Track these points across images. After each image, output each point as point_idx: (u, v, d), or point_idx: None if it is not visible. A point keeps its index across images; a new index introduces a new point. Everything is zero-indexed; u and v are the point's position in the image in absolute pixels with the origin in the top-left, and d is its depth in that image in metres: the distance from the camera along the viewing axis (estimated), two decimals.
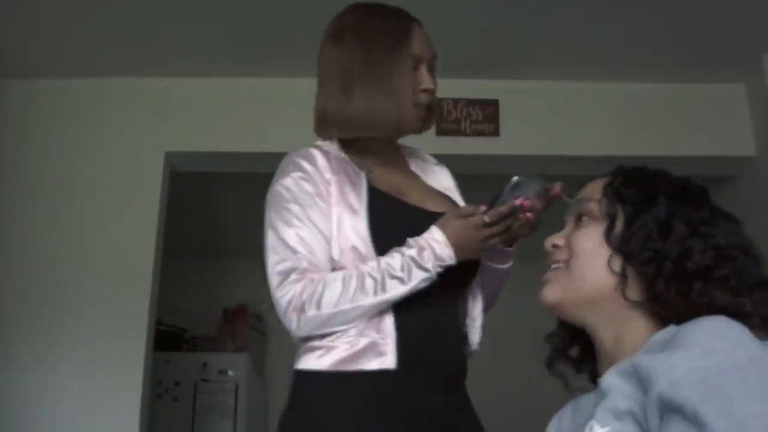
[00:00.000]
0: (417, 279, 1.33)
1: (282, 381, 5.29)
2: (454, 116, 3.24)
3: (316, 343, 1.37)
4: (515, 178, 1.34)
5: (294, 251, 1.37)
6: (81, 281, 2.98)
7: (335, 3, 2.81)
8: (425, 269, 1.33)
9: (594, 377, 1.02)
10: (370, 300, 1.32)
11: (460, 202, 1.58)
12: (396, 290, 1.33)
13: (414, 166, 1.62)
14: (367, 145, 1.52)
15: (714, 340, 0.78)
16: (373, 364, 1.33)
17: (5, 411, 2.80)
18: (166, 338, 3.80)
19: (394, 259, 1.34)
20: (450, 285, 1.41)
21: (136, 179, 3.13)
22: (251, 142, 3.20)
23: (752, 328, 0.81)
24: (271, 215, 1.42)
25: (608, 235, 0.96)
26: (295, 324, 1.35)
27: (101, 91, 3.21)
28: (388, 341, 1.34)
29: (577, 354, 1.06)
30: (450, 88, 3.25)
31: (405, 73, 1.47)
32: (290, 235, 1.38)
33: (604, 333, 0.97)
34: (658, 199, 0.95)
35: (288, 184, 1.42)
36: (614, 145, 3.14)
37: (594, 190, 1.03)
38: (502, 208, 1.32)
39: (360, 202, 1.41)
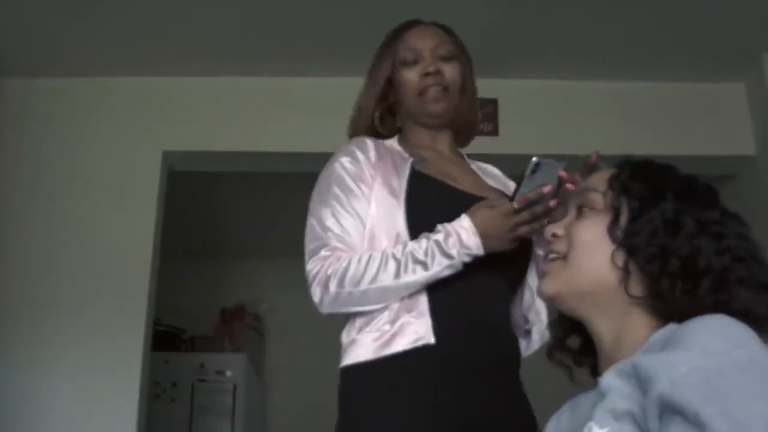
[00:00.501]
0: (440, 265, 1.31)
1: (280, 381, 5.31)
2: None
3: (354, 336, 1.37)
4: (534, 159, 1.28)
5: (327, 229, 1.41)
6: (78, 281, 2.97)
7: (334, 3, 2.82)
8: (449, 256, 1.31)
9: (595, 371, 1.00)
10: (390, 282, 1.32)
11: None
12: (418, 275, 1.32)
13: (475, 167, 1.64)
14: (421, 139, 1.58)
15: (714, 339, 0.76)
16: (407, 341, 1.32)
17: (2, 411, 2.80)
18: (164, 338, 3.78)
19: (420, 244, 1.33)
20: (494, 273, 1.39)
21: (134, 178, 3.12)
22: (249, 141, 3.19)
23: (758, 330, 0.79)
24: (313, 195, 1.49)
25: (612, 228, 0.94)
26: (318, 297, 1.37)
27: (99, 90, 3.21)
28: (422, 321, 1.33)
29: (578, 346, 1.05)
30: None
31: (385, 75, 1.58)
32: (326, 215, 1.42)
33: (602, 328, 0.95)
34: (666, 195, 0.93)
35: (335, 167, 1.48)
36: (614, 144, 3.12)
37: (599, 181, 1.01)
38: (531, 194, 1.29)
39: (400, 184, 1.43)
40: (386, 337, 1.32)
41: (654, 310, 0.91)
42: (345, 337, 1.40)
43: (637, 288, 0.92)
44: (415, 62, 1.56)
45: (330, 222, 1.41)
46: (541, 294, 1.01)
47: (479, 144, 3.25)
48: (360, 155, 1.48)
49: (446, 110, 1.56)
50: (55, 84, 3.20)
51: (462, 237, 1.31)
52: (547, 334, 1.44)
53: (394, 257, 1.33)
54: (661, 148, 3.09)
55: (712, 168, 3.20)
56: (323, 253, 1.39)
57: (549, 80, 3.27)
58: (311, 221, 1.44)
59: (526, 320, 1.49)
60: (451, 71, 1.57)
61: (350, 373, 1.35)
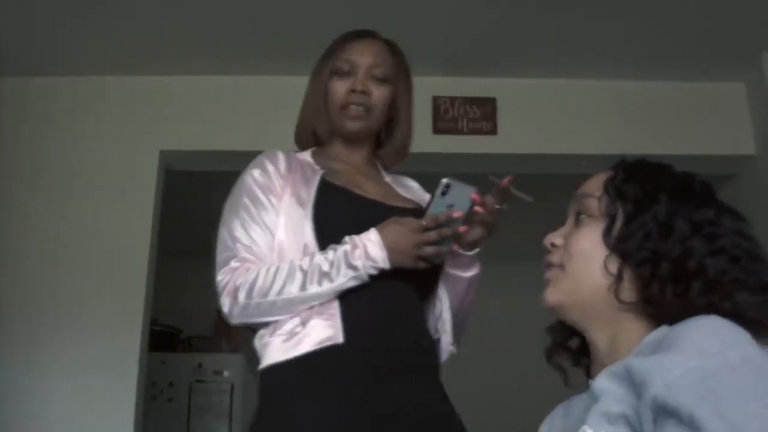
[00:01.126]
0: (345, 277, 1.34)
1: None
2: (451, 114, 3.22)
3: (267, 339, 1.40)
4: (444, 180, 1.34)
5: (236, 240, 1.44)
6: (75, 280, 2.97)
7: (334, 3, 2.81)
8: (354, 267, 1.34)
9: (590, 373, 0.99)
10: (296, 294, 1.35)
11: None
12: (323, 287, 1.35)
13: (390, 179, 1.65)
14: (337, 153, 1.60)
15: (708, 340, 0.76)
16: (315, 341, 1.33)
17: None
18: (161, 338, 3.78)
19: (327, 255, 1.36)
20: (404, 282, 1.41)
21: (131, 178, 3.12)
22: (248, 140, 3.17)
23: (753, 333, 0.78)
24: (225, 206, 1.52)
25: (606, 234, 0.93)
26: (227, 308, 1.41)
27: (97, 89, 3.21)
28: (332, 322, 1.35)
29: (576, 346, 1.03)
30: (446, 85, 3.24)
31: (325, 85, 1.58)
32: (236, 226, 1.45)
33: (597, 335, 0.94)
34: (660, 196, 0.92)
35: (246, 179, 1.51)
36: (613, 143, 3.12)
37: (594, 186, 0.99)
38: (441, 216, 1.34)
39: (309, 194, 1.45)
40: (296, 338, 1.35)
41: (647, 315, 0.90)
42: (258, 342, 1.43)
43: (628, 293, 0.90)
44: (348, 74, 1.56)
45: (239, 233, 1.44)
46: (544, 303, 1.00)
47: (477, 143, 3.27)
48: (270, 167, 1.51)
49: (362, 130, 1.57)
50: (53, 83, 3.19)
51: (368, 249, 1.34)
52: (451, 341, 1.49)
53: (301, 269, 1.36)
54: (660, 148, 3.09)
55: (712, 167, 3.19)
56: (233, 264, 1.42)
57: (548, 79, 3.26)
58: (222, 231, 1.48)
59: (437, 330, 1.50)
60: (379, 94, 1.56)
61: (265, 375, 1.37)
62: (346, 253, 1.34)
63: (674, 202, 0.91)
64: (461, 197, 1.35)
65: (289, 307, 1.36)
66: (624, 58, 3.14)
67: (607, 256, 0.92)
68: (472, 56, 3.12)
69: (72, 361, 2.86)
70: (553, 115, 3.25)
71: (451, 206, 1.34)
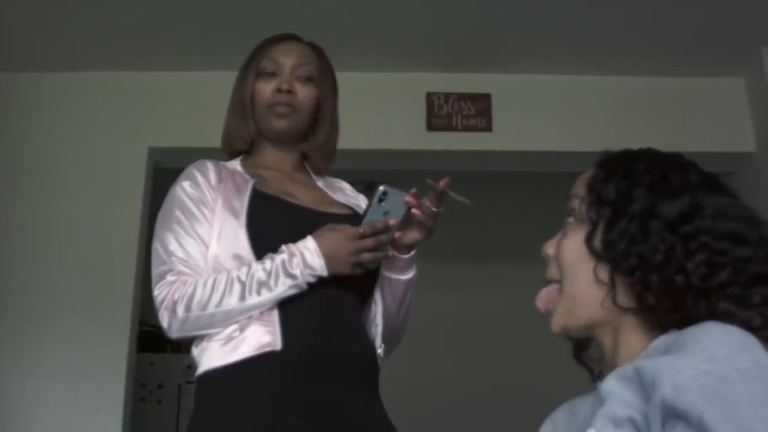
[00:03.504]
0: (284, 285, 1.36)
1: None
2: (445, 111, 3.20)
3: (204, 344, 1.40)
4: (381, 188, 1.37)
5: (171, 254, 1.43)
6: (62, 279, 2.95)
7: None
8: (292, 276, 1.36)
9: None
10: (236, 305, 1.36)
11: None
12: (262, 296, 1.36)
13: (322, 183, 1.67)
14: (266, 158, 1.61)
15: (718, 344, 0.74)
16: (254, 347, 1.34)
17: None
18: (150, 339, 3.75)
19: (265, 265, 1.38)
20: (343, 287, 1.43)
21: (119, 175, 3.11)
22: None
23: (762, 340, 0.76)
24: (157, 220, 1.51)
25: (589, 242, 0.89)
26: (166, 323, 1.40)
27: (83, 86, 3.19)
28: (270, 328, 1.36)
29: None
30: (440, 81, 3.21)
31: (251, 87, 1.59)
32: (170, 239, 1.45)
33: (602, 338, 0.92)
34: (635, 194, 0.88)
35: (176, 191, 1.50)
36: (611, 140, 3.05)
37: (580, 185, 0.95)
38: (377, 223, 1.38)
39: (242, 204, 1.46)
40: (233, 342, 1.36)
41: (649, 320, 0.87)
42: (195, 349, 1.43)
43: (627, 299, 0.87)
44: (273, 75, 1.58)
45: (173, 246, 1.44)
46: (552, 330, 0.97)
47: (472, 140, 3.23)
48: (200, 178, 1.51)
49: (289, 129, 1.58)
50: (39, 79, 3.17)
51: (306, 257, 1.36)
52: (380, 345, 1.51)
53: (239, 280, 1.37)
54: (659, 144, 3.03)
55: (711, 164, 3.15)
56: (169, 278, 1.42)
57: (544, 75, 3.26)
58: (156, 245, 1.47)
59: (370, 333, 1.53)
60: (305, 93, 1.58)
61: (203, 380, 1.38)
62: (283, 262, 1.36)
63: (651, 195, 0.88)
64: (398, 204, 1.39)
65: (229, 318, 1.37)
66: (621, 53, 3.13)
67: (595, 266, 0.89)
68: (467, 51, 3.10)
69: (59, 362, 2.85)
70: (550, 111, 3.24)
71: (387, 213, 1.39)
